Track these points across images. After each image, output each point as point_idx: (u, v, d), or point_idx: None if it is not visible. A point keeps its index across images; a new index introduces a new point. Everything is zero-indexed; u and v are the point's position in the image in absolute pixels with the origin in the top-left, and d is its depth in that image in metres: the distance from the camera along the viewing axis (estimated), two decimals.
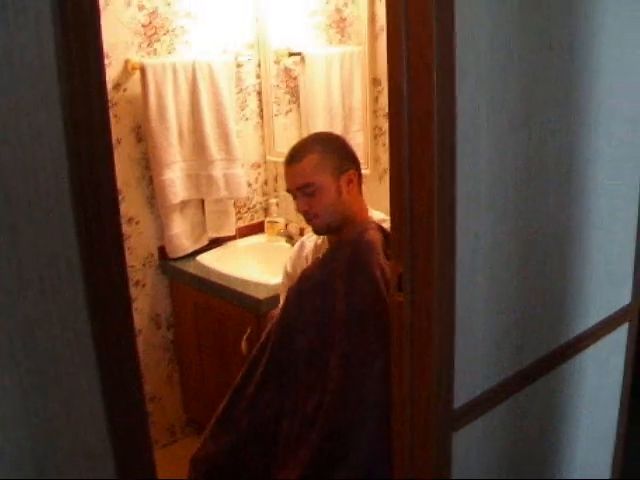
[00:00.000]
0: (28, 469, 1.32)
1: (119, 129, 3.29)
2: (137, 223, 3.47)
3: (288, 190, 2.57)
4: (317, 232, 2.60)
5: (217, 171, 3.51)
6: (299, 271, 2.58)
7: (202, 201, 3.65)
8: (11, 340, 1.24)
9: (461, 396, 1.91)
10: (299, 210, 2.54)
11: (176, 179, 3.41)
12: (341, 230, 2.48)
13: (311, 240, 2.81)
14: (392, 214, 1.78)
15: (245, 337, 3.09)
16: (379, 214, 2.58)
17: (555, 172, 1.99)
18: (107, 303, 1.35)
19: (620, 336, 2.48)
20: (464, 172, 1.71)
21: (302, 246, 2.84)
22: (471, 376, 1.93)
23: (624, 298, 2.44)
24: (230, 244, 3.77)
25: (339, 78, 3.45)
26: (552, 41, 1.86)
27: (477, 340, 1.91)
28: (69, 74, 1.21)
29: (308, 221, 2.55)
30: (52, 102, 1.21)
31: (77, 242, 1.28)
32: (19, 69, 1.16)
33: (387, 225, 2.15)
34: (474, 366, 1.93)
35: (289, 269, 2.81)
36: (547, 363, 2.16)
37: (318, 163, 2.43)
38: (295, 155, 2.50)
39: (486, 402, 1.99)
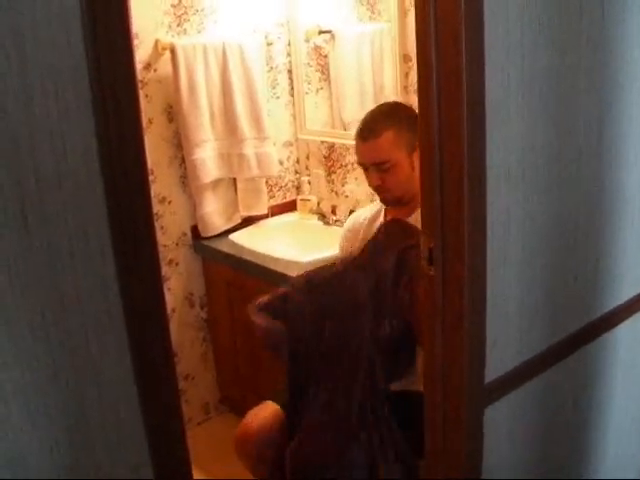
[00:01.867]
0: (61, 445, 1.34)
1: (150, 109, 3.30)
2: (169, 203, 3.48)
3: (360, 164, 2.57)
4: (386, 204, 2.62)
5: (249, 150, 3.51)
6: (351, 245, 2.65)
7: (234, 180, 3.66)
8: (43, 314, 1.25)
9: (493, 371, 1.90)
10: (371, 184, 2.56)
11: (207, 158, 3.42)
12: (408, 204, 2.50)
13: (365, 213, 2.81)
14: (423, 187, 1.77)
15: None
16: None
17: (586, 144, 1.97)
18: (138, 280, 1.36)
19: None
20: (494, 145, 1.70)
21: (356, 220, 2.83)
22: (503, 351, 1.92)
23: None
24: (262, 222, 3.78)
25: (369, 55, 3.44)
26: (582, 9, 1.84)
27: (509, 314, 1.90)
28: (97, 54, 1.22)
29: (379, 194, 2.58)
30: (80, 82, 1.22)
31: (107, 220, 1.29)
32: (46, 49, 1.16)
33: None
34: (506, 341, 1.92)
35: (342, 242, 2.83)
36: (580, 338, 2.15)
37: (394, 140, 2.44)
38: (371, 130, 2.48)
39: (518, 377, 1.99)
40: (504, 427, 2.02)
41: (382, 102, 3.37)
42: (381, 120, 2.50)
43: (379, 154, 2.46)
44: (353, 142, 3.48)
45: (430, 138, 1.70)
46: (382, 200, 2.60)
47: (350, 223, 2.85)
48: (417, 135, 2.30)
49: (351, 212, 3.29)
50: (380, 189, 2.54)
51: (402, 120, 2.48)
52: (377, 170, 2.48)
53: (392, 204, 2.58)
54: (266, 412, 2.57)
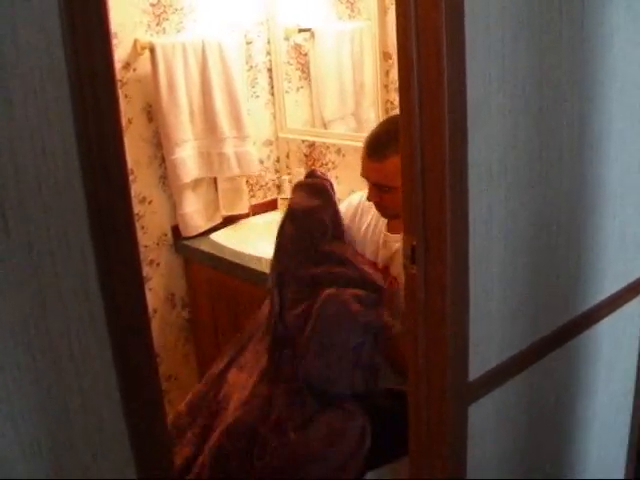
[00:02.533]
0: (43, 447, 1.33)
1: (130, 109, 3.29)
2: (150, 203, 3.47)
3: (362, 175, 2.50)
4: (384, 217, 2.57)
5: (229, 149, 3.50)
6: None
7: (214, 179, 3.65)
8: (24, 318, 1.24)
9: (476, 369, 1.90)
10: (370, 199, 2.51)
11: (188, 158, 3.41)
12: None
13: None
14: (404, 186, 1.77)
15: None
16: None
17: (568, 140, 1.97)
18: (119, 281, 1.36)
19: (636, 306, 2.46)
20: (476, 143, 1.70)
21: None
22: (486, 348, 1.92)
23: None
24: (243, 222, 3.78)
25: (350, 53, 3.44)
26: (562, 7, 1.84)
27: (491, 312, 1.91)
28: (76, 54, 1.21)
29: (377, 209, 2.53)
30: (59, 83, 1.21)
31: (88, 221, 1.28)
32: (25, 49, 1.15)
33: None
34: (489, 338, 1.92)
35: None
36: (562, 335, 2.16)
37: (398, 168, 2.32)
38: (378, 151, 2.40)
39: (501, 375, 1.99)
40: (488, 425, 2.02)
41: (362, 100, 3.39)
42: (389, 144, 2.35)
43: (383, 177, 2.40)
44: (333, 140, 3.51)
45: (411, 136, 1.70)
46: (381, 214, 2.56)
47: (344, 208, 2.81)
48: None
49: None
50: (378, 206, 2.50)
51: None
52: (378, 189, 2.45)
53: (390, 218, 2.55)
54: None
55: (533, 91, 1.83)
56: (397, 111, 1.77)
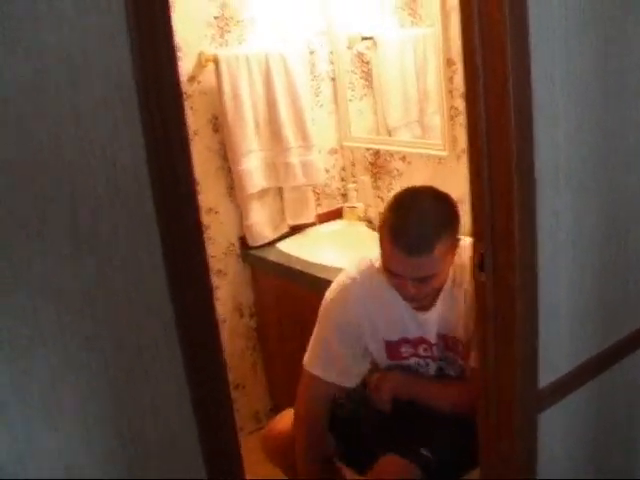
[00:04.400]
0: (117, 456, 1.35)
1: (195, 121, 3.32)
2: (217, 213, 3.50)
3: (394, 270, 2.18)
4: (417, 308, 2.33)
5: (294, 158, 3.51)
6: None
7: (280, 189, 3.66)
8: (97, 331, 1.26)
9: (546, 376, 1.88)
10: (405, 294, 2.24)
11: (254, 168, 3.43)
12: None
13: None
14: (472, 193, 1.76)
15: None
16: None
17: (635, 142, 1.94)
18: (189, 292, 1.37)
19: None
20: (542, 148, 1.69)
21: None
22: (555, 356, 1.90)
23: None
24: (310, 231, 3.78)
25: (413, 60, 3.42)
26: (626, 3, 1.81)
27: (561, 319, 1.88)
28: (143, 68, 1.23)
29: (413, 302, 2.29)
30: (128, 97, 1.23)
31: (158, 232, 1.30)
32: (94, 64, 1.18)
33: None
34: (558, 346, 1.90)
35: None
36: (633, 341, 2.12)
37: (446, 249, 2.14)
38: (421, 245, 2.10)
39: (571, 382, 1.96)
40: (558, 432, 2.00)
41: (426, 107, 3.36)
42: (431, 229, 2.11)
43: (428, 270, 2.14)
44: (398, 148, 3.50)
45: (478, 142, 1.69)
46: (412, 305, 2.31)
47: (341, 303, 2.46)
48: (455, 230, 2.14)
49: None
50: (416, 298, 2.24)
51: (445, 225, 2.15)
52: (417, 281, 2.18)
53: (422, 309, 2.33)
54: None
55: (598, 93, 1.81)
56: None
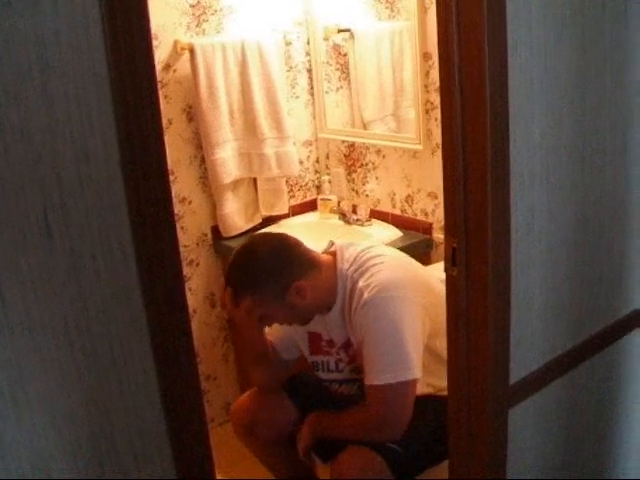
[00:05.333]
0: (84, 448, 1.34)
1: (170, 109, 3.30)
2: (190, 203, 3.48)
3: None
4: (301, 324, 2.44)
5: (269, 149, 3.50)
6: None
7: (254, 180, 3.65)
8: (65, 320, 1.25)
9: (517, 372, 1.89)
10: (269, 336, 2.50)
11: (228, 158, 3.41)
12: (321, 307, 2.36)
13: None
14: (445, 188, 1.76)
15: None
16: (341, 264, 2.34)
17: (611, 143, 1.95)
18: (160, 281, 1.36)
19: None
20: (518, 144, 1.69)
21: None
22: (527, 352, 1.91)
23: None
24: (283, 222, 3.77)
25: (389, 53, 3.42)
26: (605, 5, 1.82)
27: (533, 315, 1.89)
28: (117, 56, 1.22)
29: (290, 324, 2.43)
30: (101, 85, 1.22)
31: (129, 221, 1.29)
32: (67, 52, 1.16)
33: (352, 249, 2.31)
34: (530, 341, 1.91)
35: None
36: (604, 338, 2.13)
37: (252, 307, 2.26)
38: (232, 295, 2.28)
39: (542, 378, 1.97)
40: (528, 428, 2.01)
41: (401, 101, 3.36)
42: (238, 285, 2.28)
43: (245, 318, 2.29)
44: (373, 141, 3.50)
45: (453, 137, 1.68)
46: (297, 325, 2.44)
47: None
48: (281, 279, 2.22)
49: None
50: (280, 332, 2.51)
51: (256, 278, 2.26)
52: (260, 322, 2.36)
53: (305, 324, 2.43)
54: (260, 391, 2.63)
55: (576, 92, 1.81)
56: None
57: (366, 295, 2.19)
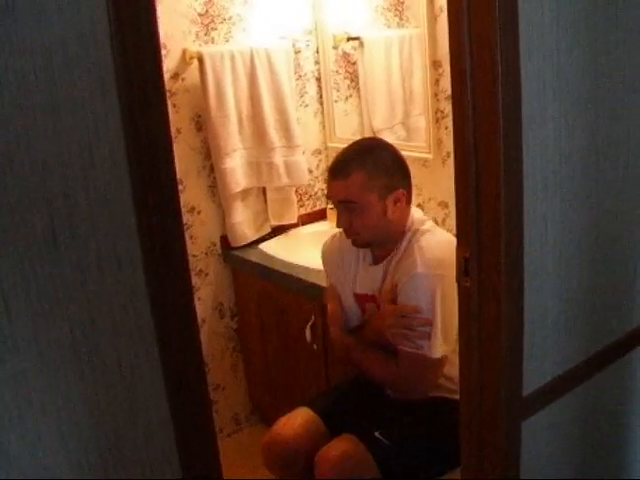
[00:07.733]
0: (92, 463, 1.32)
1: (178, 119, 3.29)
2: (199, 212, 3.47)
3: (328, 198, 2.58)
4: (356, 246, 2.54)
5: (278, 158, 3.49)
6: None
7: (263, 189, 3.64)
8: (72, 330, 1.24)
9: (530, 384, 1.87)
10: (339, 225, 2.50)
11: (237, 167, 3.40)
12: (384, 246, 2.49)
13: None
14: (457, 197, 1.74)
15: (309, 325, 3.06)
16: (418, 214, 2.55)
17: (625, 150, 1.93)
18: (168, 291, 1.35)
19: None
20: (531, 153, 1.67)
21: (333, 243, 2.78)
22: (540, 363, 1.89)
23: None
24: (292, 232, 3.76)
25: (399, 61, 3.41)
26: (618, 17, 1.80)
27: (546, 326, 1.87)
28: (125, 65, 1.20)
29: (348, 236, 2.51)
30: (109, 94, 1.21)
31: (137, 231, 1.28)
32: (74, 60, 1.15)
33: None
34: (543, 353, 1.89)
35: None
36: (618, 349, 2.11)
37: (365, 182, 2.35)
38: (341, 169, 2.40)
39: (555, 390, 1.95)
40: (542, 440, 1.99)
41: (411, 109, 3.35)
42: (355, 159, 2.39)
43: (346, 194, 2.37)
44: None
45: (465, 146, 1.67)
46: (352, 243, 2.52)
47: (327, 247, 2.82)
48: (394, 178, 2.36)
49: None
50: (348, 232, 2.48)
51: (378, 159, 2.40)
52: (345, 210, 2.42)
53: (361, 247, 2.54)
54: (299, 419, 2.54)
55: (589, 101, 1.79)
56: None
57: (419, 265, 2.32)
